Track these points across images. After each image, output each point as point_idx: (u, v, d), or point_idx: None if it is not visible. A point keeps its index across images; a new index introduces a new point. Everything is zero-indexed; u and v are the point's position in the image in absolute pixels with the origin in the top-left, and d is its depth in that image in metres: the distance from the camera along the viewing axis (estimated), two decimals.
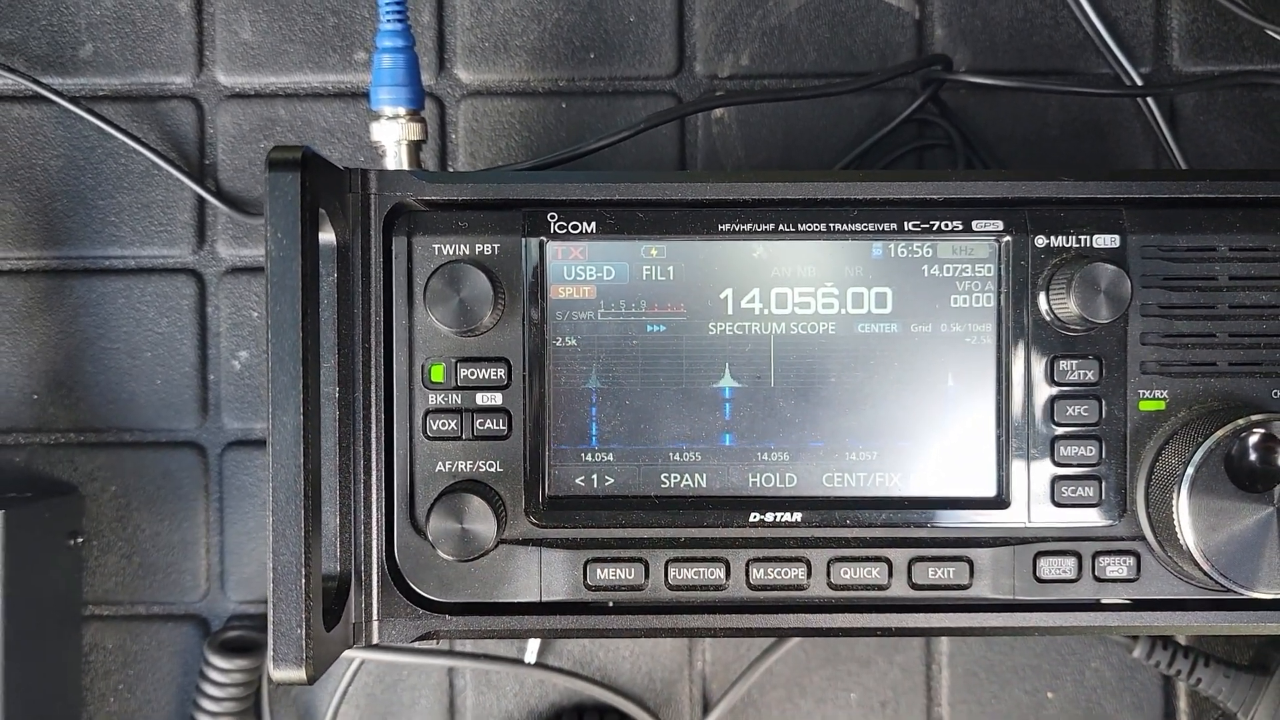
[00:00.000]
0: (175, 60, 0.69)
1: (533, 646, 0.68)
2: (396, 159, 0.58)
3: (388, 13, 0.57)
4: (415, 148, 0.58)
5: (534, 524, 0.51)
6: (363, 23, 0.68)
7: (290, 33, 0.68)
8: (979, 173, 0.63)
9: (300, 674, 0.44)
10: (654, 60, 0.68)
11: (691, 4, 0.68)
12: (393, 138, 0.58)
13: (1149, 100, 0.67)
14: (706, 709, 0.68)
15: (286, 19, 0.68)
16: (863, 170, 0.67)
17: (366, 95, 0.58)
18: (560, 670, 0.68)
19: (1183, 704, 0.68)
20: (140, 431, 0.68)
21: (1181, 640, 0.66)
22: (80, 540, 0.67)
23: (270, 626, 0.45)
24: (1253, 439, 0.48)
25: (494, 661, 0.68)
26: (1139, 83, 0.67)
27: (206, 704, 0.66)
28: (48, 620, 0.65)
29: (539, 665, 0.68)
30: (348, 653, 0.66)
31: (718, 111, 0.68)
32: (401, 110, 0.57)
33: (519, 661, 0.68)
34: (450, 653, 0.68)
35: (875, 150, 0.68)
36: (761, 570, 0.51)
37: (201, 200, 0.68)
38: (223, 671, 0.65)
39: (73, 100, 0.67)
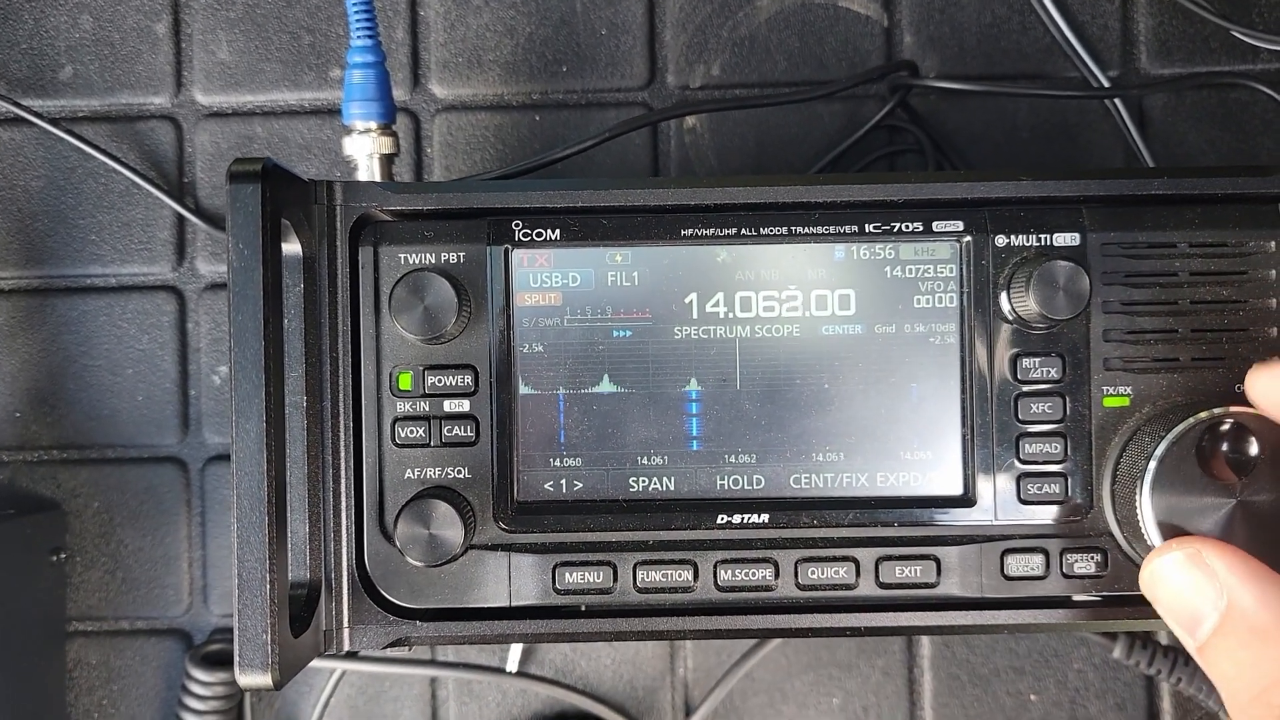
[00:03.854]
0: (154, 81, 0.69)
1: (514, 655, 0.68)
2: (369, 172, 0.58)
3: (357, 29, 0.58)
4: (387, 161, 0.59)
5: (503, 529, 0.51)
6: (338, 40, 0.69)
7: (267, 52, 0.69)
8: (939, 174, 0.64)
9: (266, 679, 0.45)
10: (626, 72, 0.69)
11: (662, 16, 0.69)
12: (364, 151, 0.58)
13: (1117, 102, 0.67)
14: (689, 715, 0.68)
15: (263, 38, 0.69)
16: (824, 174, 0.67)
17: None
18: (542, 679, 0.68)
19: (1166, 704, 0.68)
20: (122, 448, 0.69)
21: (1161, 639, 0.66)
22: (63, 556, 0.68)
23: (236, 633, 0.45)
24: (1215, 433, 0.48)
25: (476, 671, 0.68)
26: (1107, 85, 0.68)
27: (189, 717, 0.66)
28: (31, 637, 0.65)
29: (521, 674, 0.68)
30: (330, 663, 0.66)
31: (690, 121, 0.69)
32: (373, 124, 0.58)
33: (501, 670, 0.68)
34: (432, 662, 0.68)
35: (847, 156, 0.68)
36: (729, 572, 0.51)
37: (181, 218, 0.69)
38: (205, 685, 0.66)
39: (53, 121, 0.68)
